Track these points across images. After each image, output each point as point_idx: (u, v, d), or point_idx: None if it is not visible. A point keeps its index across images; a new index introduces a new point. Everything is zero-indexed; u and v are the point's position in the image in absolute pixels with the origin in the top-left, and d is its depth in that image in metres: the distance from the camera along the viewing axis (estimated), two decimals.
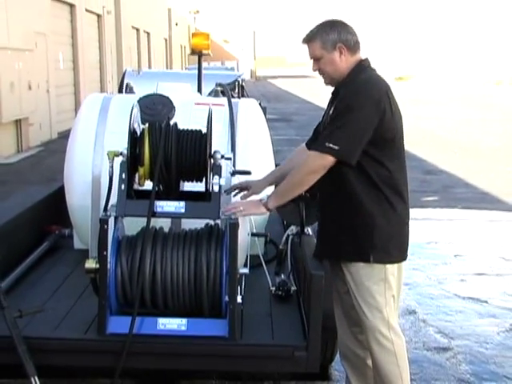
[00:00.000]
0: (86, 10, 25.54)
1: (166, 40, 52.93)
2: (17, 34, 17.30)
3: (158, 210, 4.11)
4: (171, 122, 4.39)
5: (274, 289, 4.86)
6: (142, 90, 6.25)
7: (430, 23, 57.68)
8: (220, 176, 4.19)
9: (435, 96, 39.25)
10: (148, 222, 4.07)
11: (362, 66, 4.05)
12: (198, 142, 4.19)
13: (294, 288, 4.85)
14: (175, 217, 4.39)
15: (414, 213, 10.23)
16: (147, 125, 4.24)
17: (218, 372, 5.00)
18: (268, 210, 4.09)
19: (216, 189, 4.15)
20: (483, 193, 12.33)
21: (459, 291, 7.16)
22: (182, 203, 4.13)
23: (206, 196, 4.23)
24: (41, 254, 5.60)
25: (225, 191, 4.29)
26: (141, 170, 4.18)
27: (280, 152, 10.94)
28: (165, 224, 4.51)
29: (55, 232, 5.98)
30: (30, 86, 17.39)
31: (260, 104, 6.46)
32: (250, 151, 5.44)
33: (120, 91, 8.23)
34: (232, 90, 14.46)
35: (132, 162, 4.17)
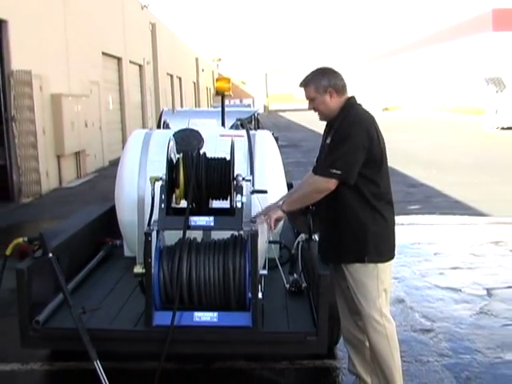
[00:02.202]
0: (130, 62, 25.68)
1: (194, 83, 53.11)
2: (76, 83, 17.46)
3: (192, 223, 4.10)
4: (201, 152, 4.39)
5: (288, 286, 4.84)
6: (176, 125, 6.25)
7: (416, 60, 57.76)
8: (242, 195, 4.17)
9: (415, 123, 39.07)
10: (184, 234, 4.05)
11: (351, 103, 4.10)
12: (223, 167, 4.18)
13: (304, 285, 4.83)
14: (206, 229, 4.36)
15: (400, 219, 10.37)
16: (182, 154, 4.23)
17: (244, 355, 4.98)
18: (284, 212, 4.10)
19: (239, 205, 4.13)
20: (456, 201, 12.23)
21: (439, 283, 7.09)
22: (212, 218, 4.12)
23: (230, 211, 4.21)
24: (98, 261, 5.59)
25: (251, 220, 4.25)
26: (177, 192, 4.17)
27: (290, 172, 10.89)
28: (197, 235, 4.50)
29: (109, 243, 5.97)
30: (86, 124, 17.47)
31: (273, 134, 6.43)
32: (265, 174, 5.42)
33: (158, 127, 8.24)
34: (249, 122, 14.52)
35: (170, 185, 4.16)
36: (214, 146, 5.31)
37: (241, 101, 41.48)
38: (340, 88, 4.07)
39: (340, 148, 3.90)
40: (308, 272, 4.82)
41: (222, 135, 5.69)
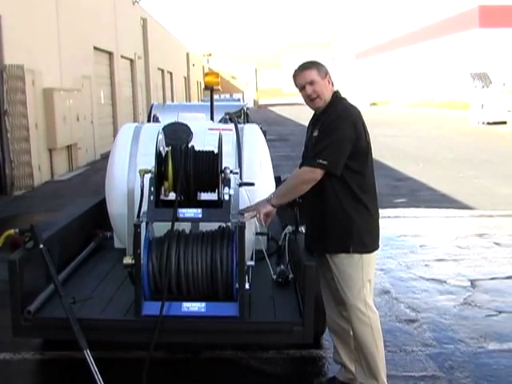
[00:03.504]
0: (121, 57, 25.58)
1: (185, 78, 52.99)
2: (68, 77, 17.43)
3: (181, 215, 4.10)
4: (190, 145, 4.40)
5: (275, 277, 4.86)
6: (166, 119, 6.24)
7: (404, 55, 57.70)
8: (229, 187, 4.19)
9: (402, 118, 39.13)
10: (172, 226, 4.07)
11: (337, 97, 4.13)
12: (211, 160, 4.19)
13: (291, 276, 4.84)
14: (194, 221, 4.37)
15: (387, 212, 10.47)
16: (170, 147, 4.24)
17: (232, 345, 5.00)
18: (273, 206, 4.09)
19: (226, 197, 4.14)
20: (442, 195, 12.28)
21: (424, 274, 7.13)
22: (200, 210, 4.13)
23: (218, 203, 4.23)
24: (88, 252, 5.59)
25: (239, 212, 4.26)
26: (166, 184, 4.17)
27: (279, 166, 10.93)
28: (186, 227, 4.51)
29: (99, 235, 5.97)
30: (78, 118, 17.41)
31: (261, 128, 6.44)
32: (253, 167, 5.43)
33: (148, 121, 8.23)
34: (238, 117, 14.49)
35: (158, 178, 4.17)
36: (203, 140, 5.31)
37: (231, 95, 41.30)
38: (332, 80, 4.13)
39: (327, 139, 3.92)
40: (295, 263, 4.84)
41: (211, 129, 5.69)
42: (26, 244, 4.29)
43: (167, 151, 4.21)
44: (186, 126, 5.48)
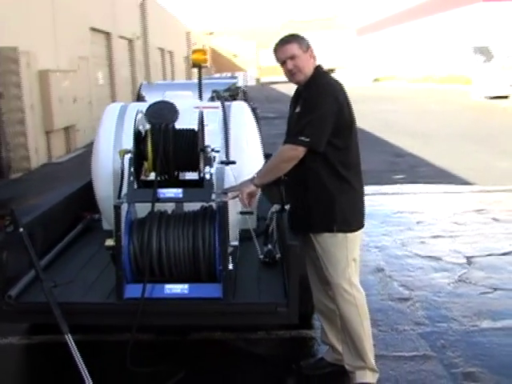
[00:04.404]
0: (119, 37, 25.38)
1: (185, 57, 52.69)
2: (64, 58, 17.27)
3: (161, 196, 4.01)
4: (175, 124, 4.27)
5: (262, 257, 4.77)
6: (154, 98, 6.12)
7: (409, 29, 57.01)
8: (211, 166, 4.09)
9: (404, 93, 38.81)
10: (152, 207, 3.98)
11: (320, 72, 4.00)
12: (191, 138, 4.08)
13: (278, 255, 4.75)
14: (175, 201, 4.27)
15: (384, 189, 10.38)
16: (149, 126, 4.14)
17: (218, 326, 4.93)
18: (256, 186, 3.97)
19: (208, 177, 4.05)
20: (441, 170, 12.13)
21: (419, 251, 7.04)
22: (180, 190, 4.03)
23: (199, 183, 4.13)
24: (75, 235, 5.51)
25: (222, 191, 4.16)
26: (145, 164, 4.08)
27: (277, 144, 10.80)
28: (170, 208, 4.42)
29: (87, 217, 5.89)
30: (75, 99, 17.26)
31: (253, 105, 6.33)
32: (240, 145, 5.32)
33: (137, 100, 8.11)
34: (236, 95, 14.33)
35: (139, 158, 4.07)
36: (189, 118, 5.18)
37: (232, 74, 41.18)
38: (314, 54, 3.99)
39: (308, 116, 3.79)
40: (281, 243, 4.75)
41: (197, 107, 5.57)
42: (6, 228, 4.22)
43: (146, 130, 4.11)
44: (172, 104, 5.35)
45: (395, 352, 4.64)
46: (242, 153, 5.25)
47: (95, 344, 4.80)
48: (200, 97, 6.82)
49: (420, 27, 56.63)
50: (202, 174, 4.15)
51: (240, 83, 15.42)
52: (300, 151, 3.80)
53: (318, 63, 4.03)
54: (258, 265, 4.72)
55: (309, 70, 3.93)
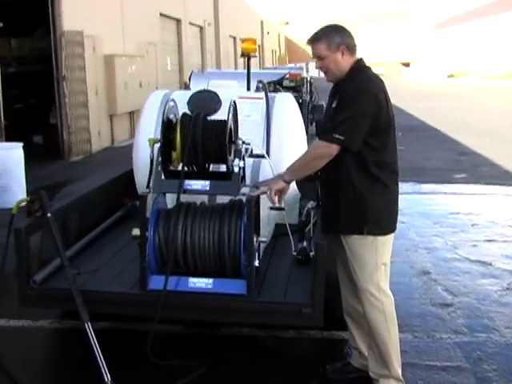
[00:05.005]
0: (190, 23, 25.51)
1: (259, 46, 52.66)
2: (131, 44, 17.41)
3: (188, 187, 3.94)
4: (218, 114, 4.16)
5: (295, 254, 4.63)
6: (199, 87, 6.05)
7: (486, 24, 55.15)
8: (240, 159, 3.99)
9: (478, 91, 37.73)
10: (178, 197, 3.90)
11: (360, 66, 3.81)
12: (221, 129, 3.97)
13: (312, 253, 4.60)
14: (202, 193, 4.16)
15: (443, 188, 10.05)
16: (180, 115, 4.06)
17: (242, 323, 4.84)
18: (286, 182, 3.86)
19: (236, 169, 3.95)
20: (505, 171, 11.67)
21: (470, 255, 6.75)
22: (208, 182, 3.94)
23: (227, 176, 4.02)
24: (112, 222, 5.48)
25: (255, 185, 4.05)
26: (174, 154, 4.00)
27: None
28: (203, 200, 4.34)
29: (128, 204, 5.86)
30: (140, 84, 17.40)
31: (315, 96, 6.14)
32: (282, 137, 5.21)
33: (188, 87, 8.04)
34: (302, 85, 14.15)
35: (168, 148, 4.00)
36: None
37: (306, 64, 40.82)
38: (352, 47, 3.79)
39: (345, 112, 3.63)
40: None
41: (241, 97, 5.48)
42: (35, 212, 4.21)
43: (176, 119, 4.03)
44: (215, 93, 5.27)
45: (428, 361, 4.43)
46: (283, 146, 5.13)
47: (123, 332, 4.78)
48: (248, 87, 6.71)
49: (500, 22, 55.03)
50: (230, 167, 4.04)
51: (304, 74, 15.27)
52: (333, 149, 3.65)
53: (358, 57, 3.86)
54: (290, 262, 4.60)
55: (342, 68, 3.76)
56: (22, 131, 12.63)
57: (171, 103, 4.15)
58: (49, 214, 4.10)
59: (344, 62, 3.76)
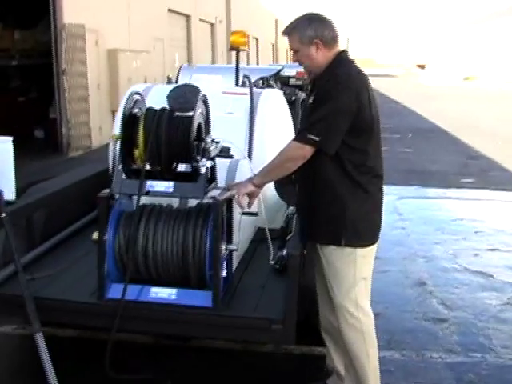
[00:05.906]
0: (200, 20, 25.17)
1: (272, 45, 52.36)
2: (137, 39, 17.09)
3: (150, 189, 3.58)
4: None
5: (273, 263, 4.26)
6: (186, 81, 5.72)
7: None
8: (208, 159, 3.63)
9: (493, 94, 37.15)
10: (138, 199, 3.55)
11: (341, 59, 3.44)
12: (186, 126, 3.62)
13: None
14: (165, 195, 3.80)
15: (448, 192, 9.62)
16: (144, 111, 3.71)
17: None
18: (256, 186, 3.50)
19: (203, 170, 3.59)
20: None
21: (470, 265, 6.38)
22: (171, 183, 3.58)
23: (193, 177, 3.67)
24: (84, 223, 5.14)
25: (225, 187, 3.70)
26: (136, 152, 3.65)
27: None
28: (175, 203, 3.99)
29: None
30: (145, 80, 17.04)
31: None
32: (264, 134, 4.87)
33: (176, 82, 7.69)
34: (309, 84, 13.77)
35: (130, 145, 3.65)
36: (216, 104, 4.76)
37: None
38: (328, 40, 3.41)
39: (321, 111, 3.27)
40: None
41: (225, 92, 5.14)
42: None
43: (140, 115, 3.69)
44: (197, 88, 4.93)
45: (414, 382, 4.07)
46: (267, 146, 4.79)
47: (89, 342, 4.46)
48: (236, 82, 6.35)
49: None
50: (196, 167, 3.67)
51: None
52: (307, 151, 3.30)
53: (340, 49, 3.50)
54: (267, 272, 4.23)
55: (318, 63, 3.41)
56: (24, 125, 12.41)
57: (136, 96, 3.81)
58: (3, 214, 3.78)
59: (319, 57, 3.41)
